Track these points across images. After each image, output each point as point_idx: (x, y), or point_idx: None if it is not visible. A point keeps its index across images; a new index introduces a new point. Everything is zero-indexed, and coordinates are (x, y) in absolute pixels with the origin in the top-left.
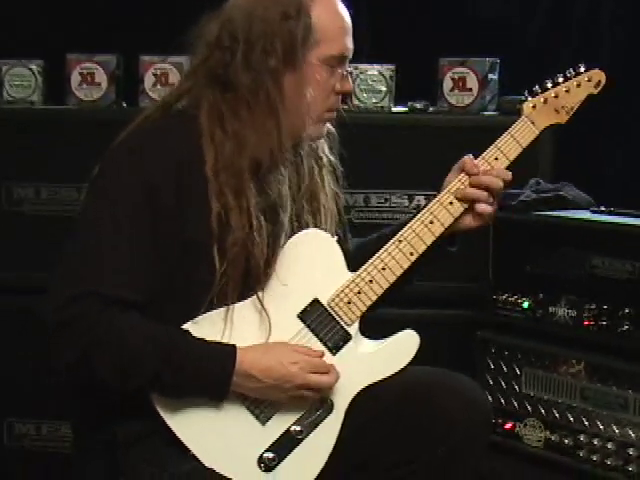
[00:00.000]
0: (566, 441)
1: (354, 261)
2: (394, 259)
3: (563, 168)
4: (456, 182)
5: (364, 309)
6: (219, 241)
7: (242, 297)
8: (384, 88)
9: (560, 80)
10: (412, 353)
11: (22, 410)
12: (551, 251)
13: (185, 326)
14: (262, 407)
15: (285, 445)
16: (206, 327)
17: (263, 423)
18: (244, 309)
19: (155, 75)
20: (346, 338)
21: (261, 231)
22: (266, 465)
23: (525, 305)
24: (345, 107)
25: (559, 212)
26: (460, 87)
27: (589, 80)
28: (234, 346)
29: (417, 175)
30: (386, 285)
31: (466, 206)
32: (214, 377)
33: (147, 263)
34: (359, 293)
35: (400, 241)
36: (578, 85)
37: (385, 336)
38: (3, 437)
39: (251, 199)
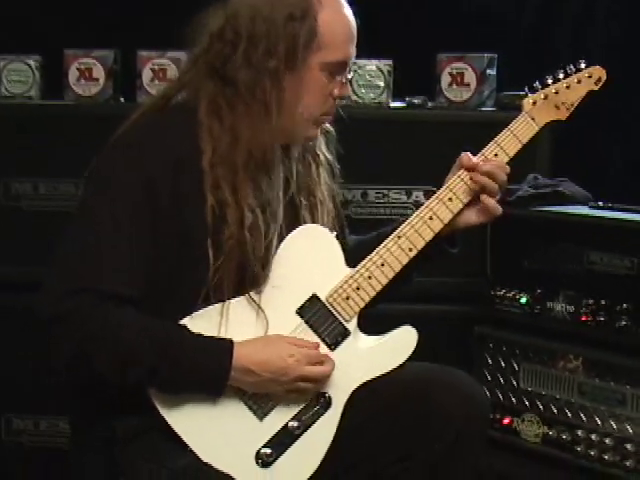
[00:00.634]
0: (564, 436)
1: (354, 258)
2: (393, 255)
3: (561, 164)
4: (455, 178)
5: (363, 305)
6: (214, 235)
7: (239, 293)
8: (382, 83)
9: (560, 76)
10: (410, 349)
11: (20, 406)
12: (549, 247)
13: (182, 321)
14: (260, 403)
15: (283, 441)
16: (203, 322)
17: (261, 419)
18: (241, 304)
19: (153, 70)
20: (344, 334)
21: (257, 226)
22: (263, 461)
23: (523, 300)
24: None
25: (557, 208)
26: (458, 82)
27: (590, 76)
28: (231, 340)
29: (415, 170)
30: (385, 281)
31: (465, 202)
32: (211, 372)
33: (143, 259)
34: (358, 289)
35: (399, 237)
36: (578, 81)
37: (383, 332)
38: (1, 433)
39: (247, 194)
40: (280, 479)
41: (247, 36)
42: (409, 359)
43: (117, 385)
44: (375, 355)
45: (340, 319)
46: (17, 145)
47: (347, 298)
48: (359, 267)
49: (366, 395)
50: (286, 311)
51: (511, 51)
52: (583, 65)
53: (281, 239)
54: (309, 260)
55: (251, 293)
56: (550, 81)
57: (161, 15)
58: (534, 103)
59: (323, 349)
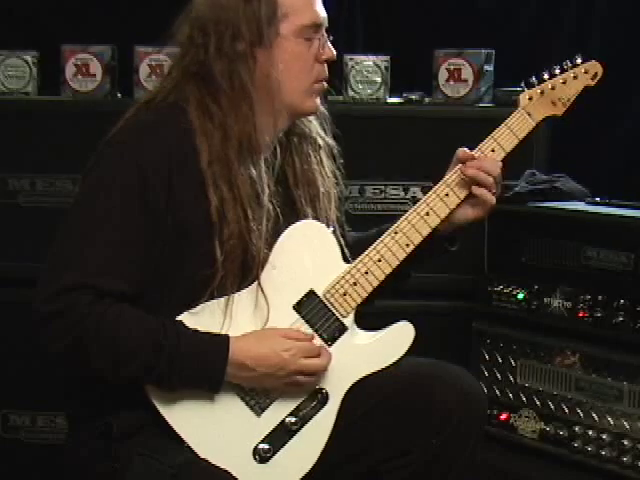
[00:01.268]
0: (561, 432)
1: (354, 254)
2: (390, 250)
3: (558, 160)
4: (452, 174)
5: (360, 300)
6: (218, 233)
7: (239, 288)
8: (379, 79)
9: (557, 72)
10: (407, 344)
11: (17, 402)
12: (546, 242)
13: (182, 316)
14: (257, 398)
15: (280, 436)
16: (205, 317)
17: (258, 414)
18: (242, 299)
19: (150, 66)
20: (342, 329)
21: (256, 221)
22: (261, 456)
23: (520, 296)
24: (340, 98)
25: (554, 203)
26: (455, 78)
27: (586, 72)
28: (227, 336)
29: (412, 166)
30: (382, 277)
31: (462, 198)
32: (208, 368)
33: (140, 256)
34: (355, 284)
35: (396, 232)
36: (575, 77)
37: (380, 328)
38: None
39: (244, 188)
40: (278, 475)
41: (214, 31)
42: (406, 354)
43: (114, 381)
44: (372, 351)
45: (337, 315)
46: (14, 141)
47: (344, 294)
48: (356, 263)
49: (364, 390)
50: (283, 307)
51: (509, 47)
52: (579, 60)
53: (280, 233)
54: (306, 256)
55: (251, 288)
56: (546, 76)
57: (158, 11)
58: (530, 98)
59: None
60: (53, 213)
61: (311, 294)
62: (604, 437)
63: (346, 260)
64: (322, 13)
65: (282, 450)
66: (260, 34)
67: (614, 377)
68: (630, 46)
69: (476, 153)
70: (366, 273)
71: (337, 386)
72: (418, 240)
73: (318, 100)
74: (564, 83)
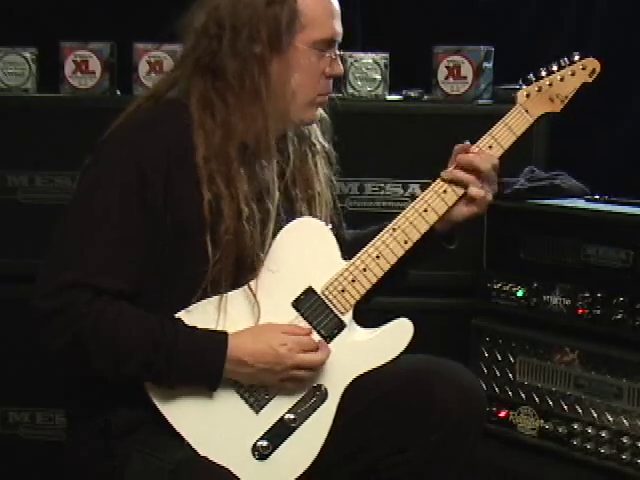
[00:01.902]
0: (560, 429)
1: (353, 252)
2: (388, 247)
3: (557, 157)
4: (450, 170)
5: (358, 297)
6: (211, 229)
7: (235, 285)
8: (378, 76)
9: (554, 68)
10: (406, 341)
11: (17, 399)
12: (545, 240)
13: (178, 315)
14: (256, 395)
15: (279, 433)
16: (199, 315)
17: (257, 411)
18: (237, 297)
19: (149, 63)
20: (340, 326)
21: (252, 219)
22: (260, 453)
23: (519, 293)
24: (339, 95)
25: (553, 200)
26: (455, 75)
27: (584, 68)
28: (225, 333)
29: (411, 163)
30: (380, 274)
31: (460, 194)
32: (206, 365)
33: (138, 253)
34: (353, 281)
35: (394, 229)
36: (572, 74)
37: (379, 324)
38: None
39: (242, 186)
40: (277, 471)
41: (230, 26)
42: (405, 351)
43: (113, 379)
44: (371, 347)
45: (336, 311)
46: (13, 138)
47: (343, 291)
48: (354, 259)
49: (363, 387)
50: (282, 304)
51: (509, 46)
52: (577, 57)
53: (278, 230)
54: (304, 253)
55: (248, 285)
56: (544, 73)
57: (157, 7)
58: (528, 95)
59: (316, 338)
60: (52, 210)
61: (310, 291)
62: (603, 434)
63: (345, 257)
64: (339, 29)
65: (281, 447)
66: (278, 39)
67: (613, 374)
68: (631, 42)
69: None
70: (364, 270)
71: (336, 383)
72: (416, 237)
73: (317, 112)
74: (562, 80)
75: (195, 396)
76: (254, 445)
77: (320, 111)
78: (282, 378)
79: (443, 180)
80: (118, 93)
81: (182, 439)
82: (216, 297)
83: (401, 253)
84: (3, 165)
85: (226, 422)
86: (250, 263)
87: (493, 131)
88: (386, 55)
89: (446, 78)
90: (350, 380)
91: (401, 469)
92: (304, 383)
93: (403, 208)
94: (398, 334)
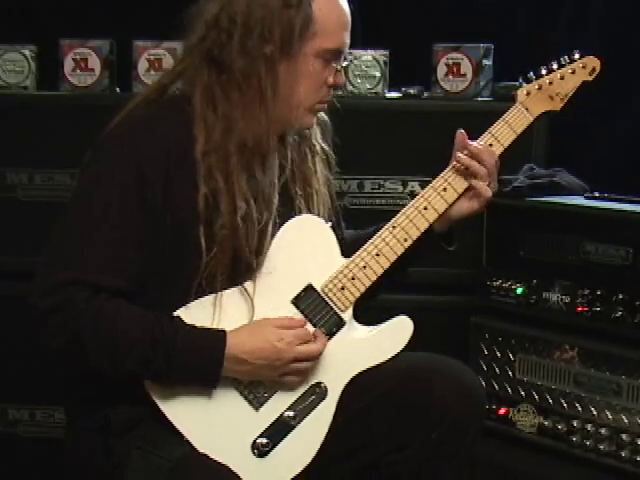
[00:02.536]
0: (559, 427)
1: (351, 252)
2: (388, 245)
3: (557, 154)
4: (450, 168)
5: (358, 295)
6: (207, 224)
7: (233, 282)
8: (378, 74)
9: (554, 67)
10: (406, 339)
11: (16, 396)
12: (545, 237)
13: (177, 312)
14: (256, 392)
15: (279, 431)
16: (197, 313)
17: (257, 409)
18: (234, 295)
19: (149, 60)
20: (340, 324)
21: (250, 215)
22: (260, 450)
23: (519, 291)
24: (339, 92)
25: (553, 198)
26: (454, 73)
27: (584, 67)
28: (224, 331)
29: (411, 161)
30: (380, 271)
31: (460, 192)
32: (205, 363)
33: (136, 251)
34: (353, 279)
35: (394, 227)
36: (572, 72)
37: (379, 322)
38: None
39: (240, 183)
40: (276, 469)
41: (242, 22)
42: (405, 349)
43: (112, 377)
44: (370, 345)
45: (335, 309)
46: (12, 135)
47: (342, 288)
48: (354, 257)
49: (362, 384)
50: (281, 301)
51: (509, 44)
52: (577, 55)
53: (276, 228)
54: (304, 250)
55: (245, 284)
56: (544, 72)
57: (157, 5)
58: (528, 94)
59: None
60: (52, 207)
61: (309, 288)
62: (602, 431)
63: (344, 255)
64: (348, 41)
65: (281, 444)
66: (290, 43)
67: (613, 371)
68: (631, 40)
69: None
70: (364, 268)
71: (336, 380)
72: (416, 235)
73: (314, 118)
74: (562, 78)
75: (195, 393)
76: (254, 442)
77: (321, 114)
78: (282, 373)
79: (455, 165)
80: (118, 91)
81: (182, 436)
82: (213, 295)
83: (401, 251)
84: (3, 162)
85: (226, 419)
86: (247, 260)
87: (493, 129)
88: (386, 52)
89: (446, 75)
90: (350, 377)
91: (401, 466)
92: (304, 380)
93: (403, 206)
94: (398, 332)
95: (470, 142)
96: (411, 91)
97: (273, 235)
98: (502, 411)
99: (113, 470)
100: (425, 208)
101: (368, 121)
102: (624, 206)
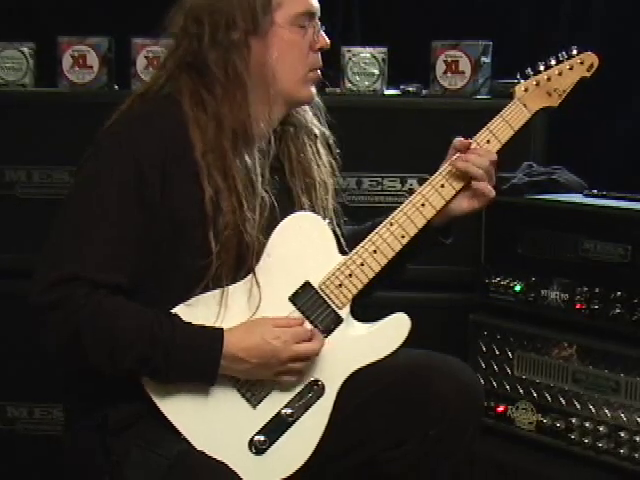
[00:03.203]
0: (558, 424)
1: (349, 248)
2: (385, 242)
3: (556, 152)
4: (447, 165)
5: (355, 292)
6: (213, 224)
7: (234, 279)
8: (377, 71)
9: (552, 63)
10: (404, 336)
11: (14, 394)
12: (543, 234)
13: (178, 309)
14: (253, 390)
15: (276, 428)
16: (200, 310)
17: (254, 406)
18: (237, 291)
19: (147, 58)
20: (337, 321)
21: (251, 210)
22: (257, 448)
23: (517, 288)
24: (337, 90)
25: (551, 196)
26: (453, 70)
27: (582, 63)
28: (221, 329)
29: (409, 158)
30: (377, 268)
31: (457, 189)
32: (202, 361)
33: (134, 248)
34: (350, 276)
35: (392, 224)
36: (570, 68)
37: (377, 319)
38: None
39: (239, 178)
40: (274, 466)
41: (209, 21)
42: (402, 346)
43: (110, 374)
44: (368, 342)
45: (333, 306)
46: (11, 132)
47: (340, 285)
48: (352, 254)
49: (360, 382)
50: (279, 298)
51: (508, 42)
52: (575, 51)
53: (276, 223)
54: (302, 247)
55: (246, 279)
56: (542, 68)
57: (155, 2)
58: (526, 90)
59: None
60: (50, 204)
61: (307, 286)
62: (601, 429)
63: (342, 252)
64: (315, 2)
65: (278, 442)
66: (255, 23)
67: (611, 369)
68: (631, 37)
69: (472, 144)
70: (362, 265)
71: (333, 377)
72: (414, 231)
73: (314, 89)
74: (560, 74)
75: (192, 391)
76: (251, 440)
77: (315, 94)
78: (279, 372)
79: (452, 168)
80: (116, 88)
81: (179, 434)
82: (217, 291)
83: (398, 248)
84: (1, 160)
85: (223, 417)
86: (249, 254)
87: (491, 125)
88: (384, 50)
89: (444, 73)
90: (347, 375)
91: (399, 462)
92: (301, 377)
93: (401, 203)
94: (395, 328)
95: (464, 155)
96: (410, 89)
97: (272, 229)
98: (501, 408)
99: (112, 468)
100: (422, 205)
101: (367, 119)
102: (623, 204)
